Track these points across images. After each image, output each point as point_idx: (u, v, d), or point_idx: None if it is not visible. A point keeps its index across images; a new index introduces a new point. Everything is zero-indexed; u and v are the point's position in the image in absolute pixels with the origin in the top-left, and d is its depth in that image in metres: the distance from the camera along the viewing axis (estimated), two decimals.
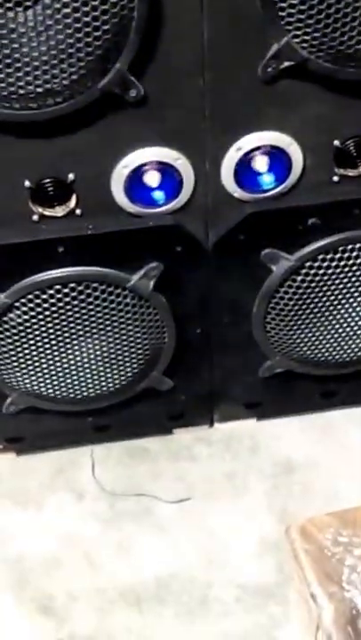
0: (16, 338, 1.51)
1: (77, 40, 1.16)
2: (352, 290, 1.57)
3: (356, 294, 1.58)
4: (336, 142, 1.41)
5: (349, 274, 1.54)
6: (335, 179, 1.45)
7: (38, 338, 1.52)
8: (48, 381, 1.60)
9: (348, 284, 1.56)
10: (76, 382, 1.61)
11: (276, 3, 1.19)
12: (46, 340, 1.53)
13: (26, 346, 1.53)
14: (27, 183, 1.36)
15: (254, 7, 1.20)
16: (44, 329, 1.51)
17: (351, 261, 1.52)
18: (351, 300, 1.59)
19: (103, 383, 1.63)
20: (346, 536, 1.26)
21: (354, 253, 1.51)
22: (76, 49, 1.17)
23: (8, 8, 1.12)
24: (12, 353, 1.53)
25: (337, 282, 1.55)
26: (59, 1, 1.12)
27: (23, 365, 1.56)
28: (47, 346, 1.54)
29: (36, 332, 1.51)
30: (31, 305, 1.46)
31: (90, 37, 1.16)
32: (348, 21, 1.20)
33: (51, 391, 1.62)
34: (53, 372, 1.59)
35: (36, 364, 1.56)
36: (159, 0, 1.19)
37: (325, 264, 1.51)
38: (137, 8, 1.15)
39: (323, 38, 1.22)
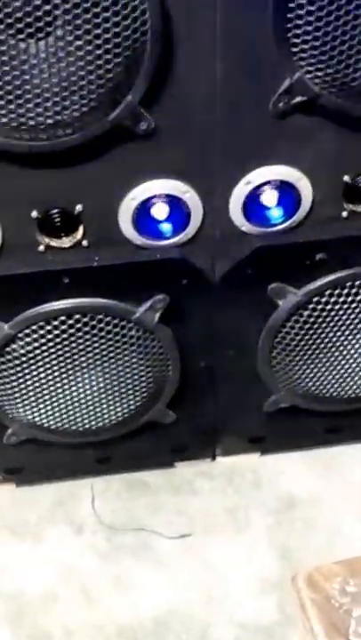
0: (19, 369, 1.49)
1: (89, 73, 1.15)
2: (359, 326, 1.55)
3: None
4: (346, 178, 1.40)
5: (356, 309, 1.53)
6: (344, 214, 1.44)
7: (41, 369, 1.50)
8: (50, 413, 1.58)
9: (356, 320, 1.54)
10: (78, 414, 1.59)
11: (289, 39, 1.19)
12: (49, 372, 1.51)
13: (28, 377, 1.51)
14: (34, 214, 1.35)
15: (267, 43, 1.19)
16: (47, 360, 1.49)
17: (359, 297, 1.51)
18: (358, 335, 1.57)
19: (106, 416, 1.61)
20: (354, 585, 1.23)
21: None
22: (87, 81, 1.16)
23: (21, 39, 1.12)
24: (15, 384, 1.52)
25: (344, 317, 1.53)
26: (72, 34, 1.12)
27: (25, 397, 1.54)
28: (50, 377, 1.52)
29: (40, 364, 1.49)
30: (35, 336, 1.45)
31: (102, 70, 1.15)
32: (359, 59, 1.20)
33: (52, 423, 1.60)
34: (56, 404, 1.57)
35: (39, 395, 1.55)
36: (172, 35, 1.18)
37: (333, 299, 1.50)
38: (150, 43, 1.15)
39: (335, 75, 1.22)
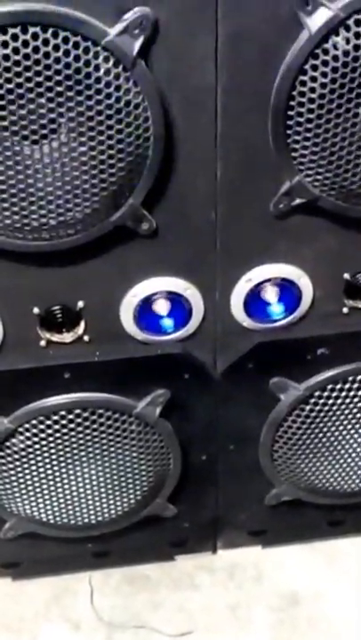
0: (18, 463, 1.47)
1: (92, 177, 1.17)
2: None
3: None
4: (346, 275, 1.41)
5: (359, 404, 1.52)
6: (345, 310, 1.45)
7: (41, 463, 1.48)
8: (49, 507, 1.56)
9: (358, 414, 1.53)
10: (77, 509, 1.57)
11: (289, 144, 1.21)
12: (49, 466, 1.49)
13: (28, 471, 1.49)
14: (36, 310, 1.36)
15: (267, 147, 1.22)
16: (46, 454, 1.47)
17: (360, 392, 1.50)
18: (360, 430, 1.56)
19: (105, 510, 1.59)
20: None
21: None
22: (90, 185, 1.18)
23: (25, 143, 1.14)
24: (13, 478, 1.50)
25: (346, 412, 1.52)
26: (76, 140, 1.14)
27: (24, 491, 1.52)
28: (49, 471, 1.50)
29: (39, 458, 1.48)
30: (35, 430, 1.44)
31: (105, 174, 1.17)
32: (359, 163, 1.22)
33: (51, 517, 1.57)
34: (55, 498, 1.55)
35: (38, 489, 1.52)
36: (173, 140, 1.20)
37: (334, 394, 1.50)
38: (152, 148, 1.17)
39: (334, 178, 1.24)
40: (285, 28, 1.12)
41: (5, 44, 1.05)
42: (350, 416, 1.53)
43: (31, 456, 1.47)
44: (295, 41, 1.13)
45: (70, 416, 1.43)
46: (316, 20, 1.10)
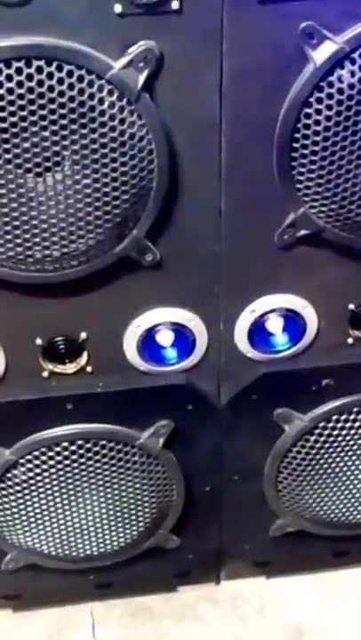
0: (19, 495, 1.46)
1: (96, 208, 1.16)
2: None
3: None
4: (351, 306, 1.40)
5: None
6: (350, 341, 1.44)
7: (43, 495, 1.47)
8: (51, 539, 1.54)
9: None
10: (79, 540, 1.55)
11: (294, 176, 1.20)
12: (50, 498, 1.48)
13: (29, 503, 1.47)
14: (38, 341, 1.35)
15: (272, 178, 1.21)
16: (49, 486, 1.46)
17: None
18: None
19: (108, 541, 1.57)
20: None
21: None
22: (94, 216, 1.17)
23: (29, 175, 1.13)
24: (15, 510, 1.48)
25: (351, 443, 1.51)
26: (79, 172, 1.13)
27: (26, 523, 1.50)
28: (51, 503, 1.49)
29: (41, 489, 1.46)
30: (37, 462, 1.42)
31: (109, 206, 1.17)
32: None
33: (53, 549, 1.55)
34: (57, 530, 1.53)
35: (39, 521, 1.51)
36: (178, 172, 1.20)
37: (340, 425, 1.48)
38: (156, 181, 1.16)
39: (339, 209, 1.23)
40: (290, 61, 1.12)
41: (10, 78, 1.04)
42: (356, 447, 1.52)
43: (33, 488, 1.45)
44: (300, 74, 1.12)
45: (73, 447, 1.42)
46: (322, 54, 1.10)
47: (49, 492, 1.47)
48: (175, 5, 1.06)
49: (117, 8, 1.05)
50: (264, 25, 1.10)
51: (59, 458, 1.42)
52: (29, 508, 1.48)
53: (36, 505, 1.48)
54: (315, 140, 1.15)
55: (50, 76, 1.05)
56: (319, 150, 1.16)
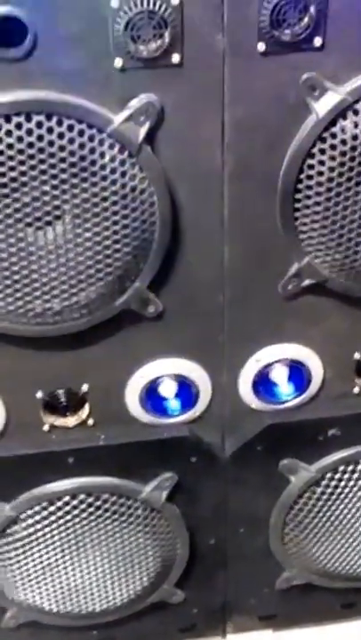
0: (20, 550, 1.43)
1: (97, 261, 1.15)
2: None
3: None
4: (357, 355, 1.37)
5: None
6: (356, 390, 1.41)
7: (44, 550, 1.44)
8: (52, 596, 1.50)
9: None
10: (81, 597, 1.51)
11: (298, 226, 1.19)
12: (52, 553, 1.44)
13: (30, 559, 1.44)
14: (39, 394, 1.32)
15: (275, 229, 1.20)
16: (50, 541, 1.43)
17: None
18: None
19: (110, 597, 1.53)
20: None
21: None
22: (95, 269, 1.15)
23: (29, 229, 1.12)
24: (16, 566, 1.45)
25: (359, 493, 1.48)
26: (80, 225, 1.12)
27: (26, 579, 1.47)
28: (53, 559, 1.45)
29: (42, 545, 1.43)
30: (38, 517, 1.39)
31: (110, 259, 1.15)
32: None
33: (54, 606, 1.52)
34: (58, 586, 1.49)
35: (40, 577, 1.47)
36: (180, 223, 1.18)
37: (346, 475, 1.45)
38: (158, 233, 1.15)
39: (344, 259, 1.22)
40: (292, 112, 1.11)
41: (9, 133, 1.03)
42: None
43: (33, 543, 1.42)
44: (302, 125, 1.12)
45: (74, 501, 1.39)
46: (324, 105, 1.09)
47: (50, 547, 1.43)
48: (176, 59, 1.05)
49: (118, 62, 1.04)
50: (266, 76, 1.09)
51: (60, 512, 1.39)
52: (30, 564, 1.45)
53: (37, 561, 1.44)
54: (318, 190, 1.14)
55: (50, 130, 1.04)
56: (322, 201, 1.15)
